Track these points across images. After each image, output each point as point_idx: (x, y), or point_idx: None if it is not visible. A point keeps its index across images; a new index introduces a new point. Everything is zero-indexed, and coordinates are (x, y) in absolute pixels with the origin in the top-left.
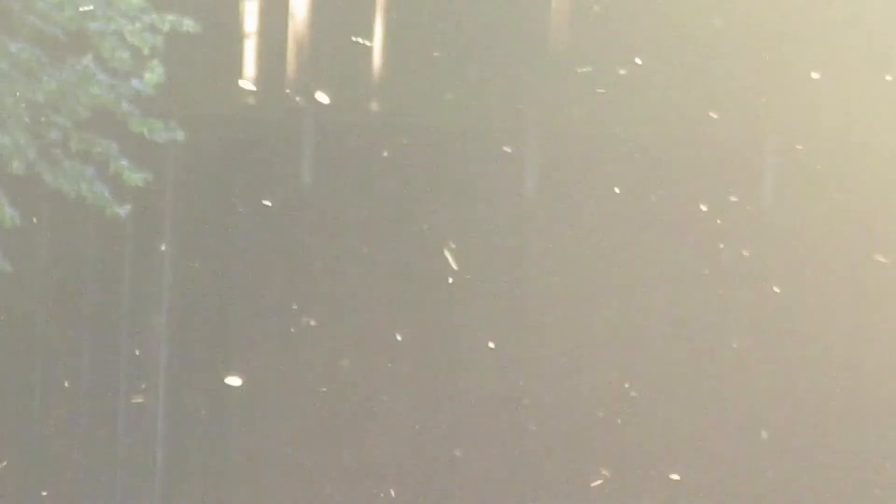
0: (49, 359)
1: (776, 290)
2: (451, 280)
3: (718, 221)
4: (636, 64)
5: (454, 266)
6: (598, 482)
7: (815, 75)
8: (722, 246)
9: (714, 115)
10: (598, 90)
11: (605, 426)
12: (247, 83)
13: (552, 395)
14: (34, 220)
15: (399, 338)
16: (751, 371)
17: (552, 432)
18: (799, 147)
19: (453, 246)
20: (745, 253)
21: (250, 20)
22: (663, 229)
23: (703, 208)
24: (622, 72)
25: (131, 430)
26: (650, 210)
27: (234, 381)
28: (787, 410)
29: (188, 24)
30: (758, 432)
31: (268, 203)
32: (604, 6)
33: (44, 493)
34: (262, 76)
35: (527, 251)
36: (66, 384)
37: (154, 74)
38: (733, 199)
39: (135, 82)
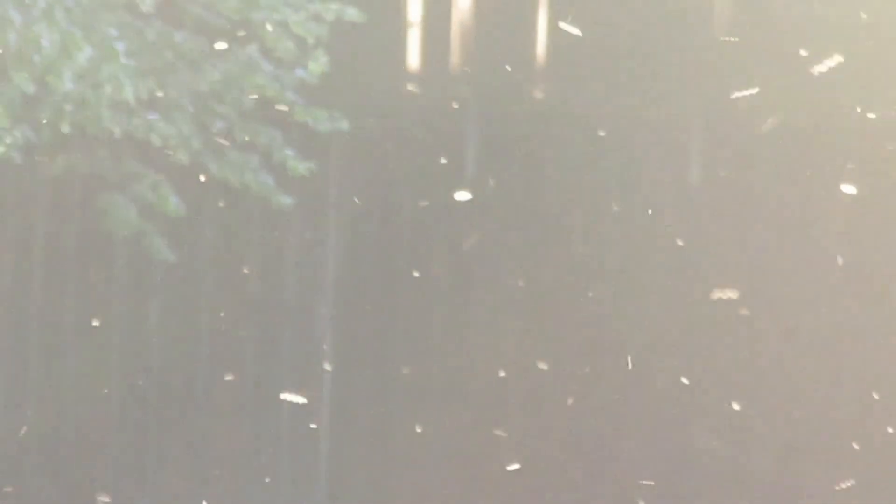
0: (216, 346)
1: None
2: (615, 274)
3: None
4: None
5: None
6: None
7: None
8: None
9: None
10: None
11: None
12: (411, 74)
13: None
14: (198, 210)
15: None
16: None
17: None
18: None
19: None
20: None
21: (414, 9)
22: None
23: None
24: None
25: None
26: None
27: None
28: None
29: (353, 14)
30: None
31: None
32: None
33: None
34: (426, 65)
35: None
36: (231, 374)
37: (318, 64)
38: None
39: (299, 72)
